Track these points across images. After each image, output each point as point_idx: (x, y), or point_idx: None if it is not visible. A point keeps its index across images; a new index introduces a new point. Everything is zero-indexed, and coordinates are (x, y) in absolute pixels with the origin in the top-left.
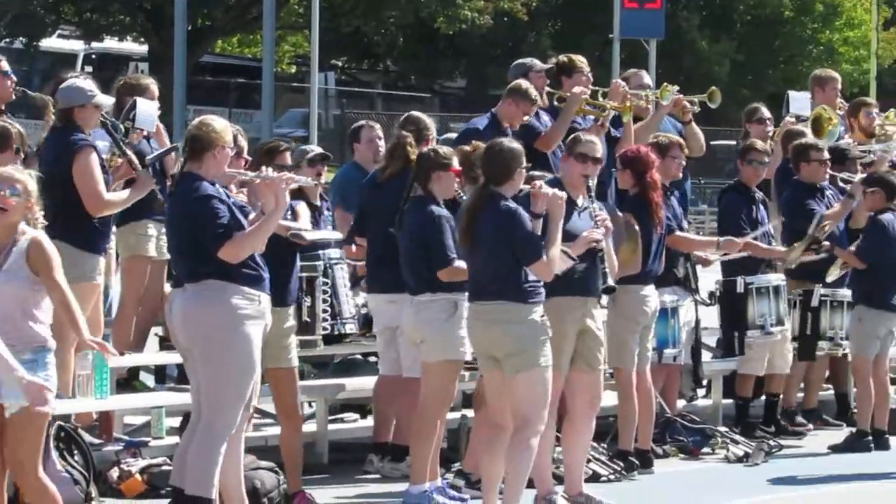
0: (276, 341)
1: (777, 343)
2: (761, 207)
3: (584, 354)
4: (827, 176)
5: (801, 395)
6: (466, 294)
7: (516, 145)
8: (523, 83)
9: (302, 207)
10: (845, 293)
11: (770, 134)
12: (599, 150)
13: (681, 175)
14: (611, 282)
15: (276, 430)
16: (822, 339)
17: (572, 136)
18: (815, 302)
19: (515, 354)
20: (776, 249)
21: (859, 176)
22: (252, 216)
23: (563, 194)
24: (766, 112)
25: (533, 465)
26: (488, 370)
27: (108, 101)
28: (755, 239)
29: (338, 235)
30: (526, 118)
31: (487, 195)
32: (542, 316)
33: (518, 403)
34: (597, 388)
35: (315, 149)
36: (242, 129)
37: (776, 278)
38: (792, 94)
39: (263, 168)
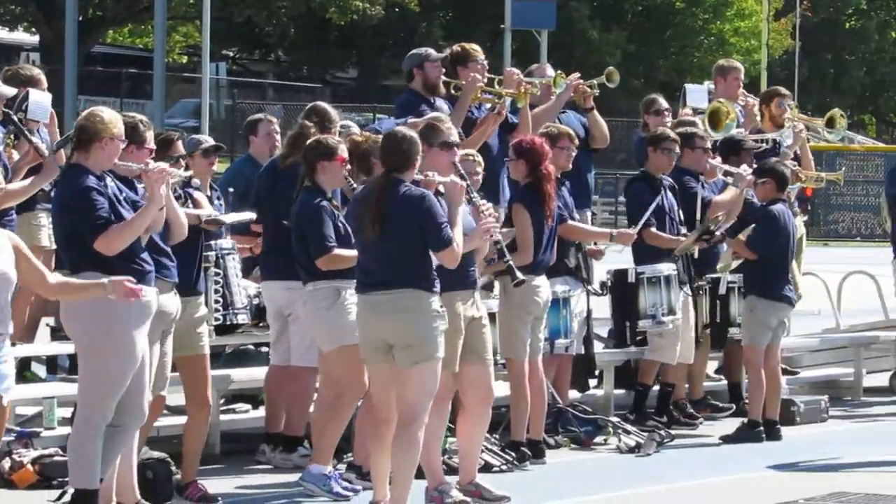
0: (187, 330)
1: (680, 332)
2: (669, 195)
3: (475, 347)
4: (708, 165)
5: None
6: (352, 281)
7: (414, 133)
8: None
9: (199, 195)
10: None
11: (668, 125)
12: (455, 133)
13: (570, 166)
14: (520, 275)
15: (168, 421)
16: (731, 326)
17: (428, 125)
18: (722, 289)
19: (415, 345)
20: (668, 237)
21: (742, 168)
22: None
23: (463, 183)
24: (663, 103)
25: (422, 457)
26: (376, 363)
27: (9, 91)
28: (646, 226)
29: (251, 215)
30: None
31: (392, 183)
32: (441, 307)
33: (408, 396)
34: (488, 379)
35: (208, 140)
36: None
37: (667, 268)
38: (689, 86)
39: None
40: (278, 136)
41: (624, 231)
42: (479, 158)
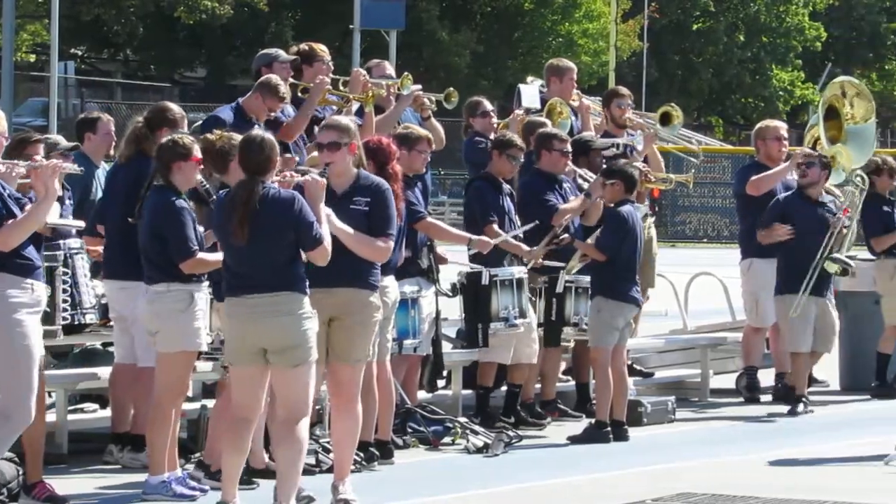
0: None
1: (522, 333)
2: (507, 199)
3: (335, 347)
4: (567, 167)
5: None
6: (204, 285)
7: (270, 135)
8: (273, 79)
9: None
10: (588, 279)
11: (495, 126)
12: (344, 135)
13: (424, 169)
14: None
15: None
16: (567, 326)
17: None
18: (559, 289)
19: (294, 347)
20: (524, 247)
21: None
22: (28, 207)
23: (323, 180)
24: (488, 105)
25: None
26: (244, 364)
27: None
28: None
29: (80, 224)
30: (272, 114)
31: (257, 186)
32: (312, 308)
33: (290, 396)
34: (355, 382)
35: (62, 140)
36: None
37: (518, 271)
38: (522, 87)
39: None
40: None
41: (482, 239)
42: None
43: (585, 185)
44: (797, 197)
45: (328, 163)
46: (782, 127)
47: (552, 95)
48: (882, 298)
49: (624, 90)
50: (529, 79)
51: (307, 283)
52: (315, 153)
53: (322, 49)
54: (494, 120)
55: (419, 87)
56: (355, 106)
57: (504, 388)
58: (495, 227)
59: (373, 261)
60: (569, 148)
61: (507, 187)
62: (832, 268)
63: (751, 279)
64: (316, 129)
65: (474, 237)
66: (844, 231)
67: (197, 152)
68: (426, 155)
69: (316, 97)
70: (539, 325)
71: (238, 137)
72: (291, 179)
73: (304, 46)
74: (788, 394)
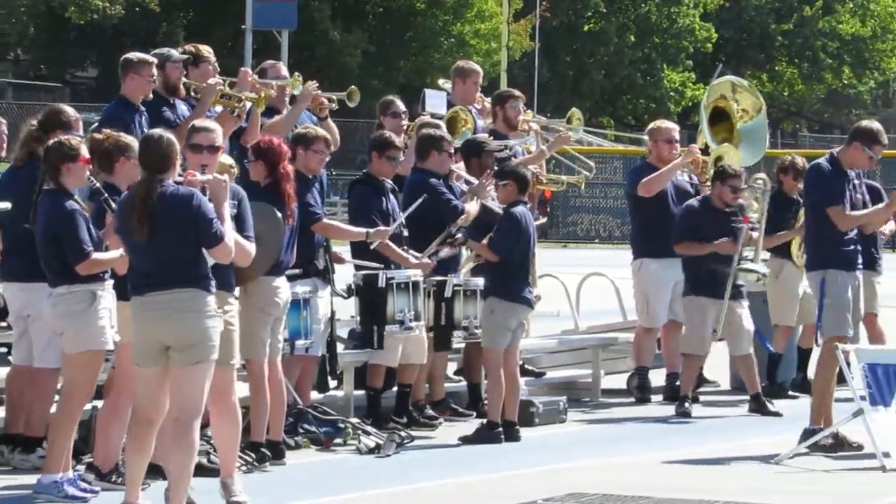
0: None
1: (412, 335)
2: (391, 198)
3: (220, 349)
4: (451, 167)
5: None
6: (106, 284)
7: (170, 134)
8: (135, 55)
9: None
10: (478, 282)
11: (405, 128)
12: (218, 137)
13: (321, 169)
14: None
15: None
16: (456, 329)
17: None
18: (448, 292)
19: (195, 345)
20: (411, 260)
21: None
22: None
23: (225, 177)
24: (400, 105)
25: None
26: (149, 365)
27: None
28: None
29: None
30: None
31: (157, 185)
32: (217, 307)
33: (186, 395)
34: (230, 382)
35: None
36: None
37: (415, 273)
38: (428, 91)
39: None
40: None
41: (381, 229)
42: (231, 161)
43: (465, 188)
44: (704, 207)
45: (205, 165)
46: (674, 129)
47: (456, 97)
48: (769, 297)
49: (518, 93)
50: (441, 81)
51: (212, 282)
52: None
53: (208, 50)
54: (404, 122)
55: (316, 84)
56: (247, 106)
57: (395, 389)
58: (381, 227)
59: (240, 263)
60: (452, 149)
61: (389, 184)
62: (748, 277)
63: (642, 280)
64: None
65: (371, 230)
66: (755, 236)
67: (85, 153)
68: (323, 155)
69: (209, 98)
70: (429, 329)
71: (126, 138)
72: (196, 178)
73: (189, 48)
74: (678, 393)
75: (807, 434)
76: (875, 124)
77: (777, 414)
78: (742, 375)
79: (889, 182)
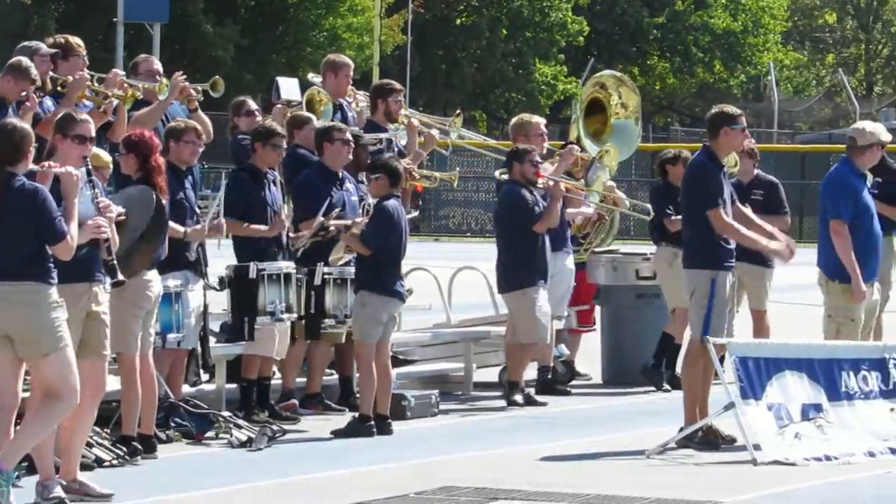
0: None
1: (283, 327)
2: (272, 187)
3: (90, 342)
4: (349, 159)
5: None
6: None
7: (26, 125)
8: (24, 60)
9: None
10: (350, 270)
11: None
12: (93, 129)
13: (195, 161)
14: (121, 276)
15: None
16: (327, 317)
17: (64, 116)
18: (317, 280)
19: (38, 337)
20: (259, 228)
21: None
22: None
23: (75, 171)
24: (252, 104)
25: (37, 450)
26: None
27: None
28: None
29: None
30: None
31: (5, 177)
32: (60, 298)
33: (51, 383)
34: (103, 375)
35: None
36: None
37: (287, 265)
38: (281, 80)
39: None
40: None
41: (197, 228)
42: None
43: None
44: (521, 189)
45: (86, 156)
46: (543, 123)
47: (328, 90)
48: (662, 284)
49: (399, 85)
50: (311, 75)
51: (53, 273)
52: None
53: (79, 43)
54: (259, 118)
55: (183, 75)
56: (114, 103)
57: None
58: (197, 227)
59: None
60: (349, 136)
61: (272, 175)
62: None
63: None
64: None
65: (188, 229)
66: (604, 222)
67: None
68: (194, 146)
69: (75, 93)
70: (300, 317)
71: None
72: (49, 170)
73: (60, 39)
74: (549, 386)
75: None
76: (722, 105)
77: (542, 404)
78: (525, 361)
79: (777, 176)
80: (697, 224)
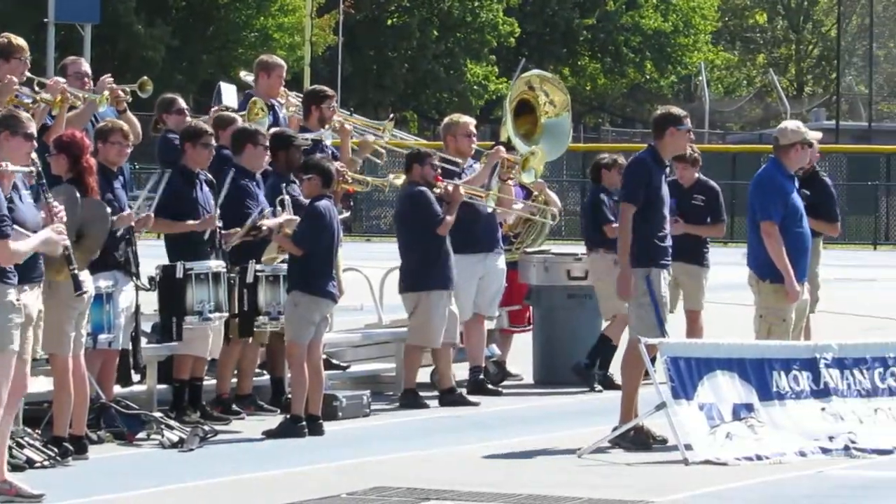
0: None
1: (215, 327)
2: (204, 188)
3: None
4: (265, 161)
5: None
6: None
7: None
8: None
9: None
10: (283, 268)
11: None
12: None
13: (123, 161)
14: (86, 288)
15: None
16: (260, 315)
17: (10, 114)
18: (250, 278)
19: None
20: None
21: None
22: None
23: (26, 168)
24: (182, 103)
25: None
26: None
27: None
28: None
29: None
30: None
31: None
32: (17, 299)
33: None
34: (25, 376)
35: None
36: None
37: (216, 265)
38: (223, 85)
39: None
40: None
41: (123, 215)
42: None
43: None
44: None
45: (32, 154)
46: (473, 123)
47: (260, 91)
48: (599, 292)
49: (331, 91)
50: (243, 74)
51: (10, 274)
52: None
53: (22, 45)
54: (188, 118)
55: (111, 77)
56: (42, 107)
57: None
58: (189, 221)
59: None
60: (266, 142)
61: (204, 175)
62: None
63: None
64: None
65: (190, 222)
66: (535, 222)
67: None
68: (121, 146)
69: (4, 97)
70: (233, 316)
71: None
72: (4, 169)
73: (2, 39)
74: (481, 386)
75: (620, 435)
76: (669, 107)
77: (475, 404)
78: (437, 365)
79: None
80: (638, 221)
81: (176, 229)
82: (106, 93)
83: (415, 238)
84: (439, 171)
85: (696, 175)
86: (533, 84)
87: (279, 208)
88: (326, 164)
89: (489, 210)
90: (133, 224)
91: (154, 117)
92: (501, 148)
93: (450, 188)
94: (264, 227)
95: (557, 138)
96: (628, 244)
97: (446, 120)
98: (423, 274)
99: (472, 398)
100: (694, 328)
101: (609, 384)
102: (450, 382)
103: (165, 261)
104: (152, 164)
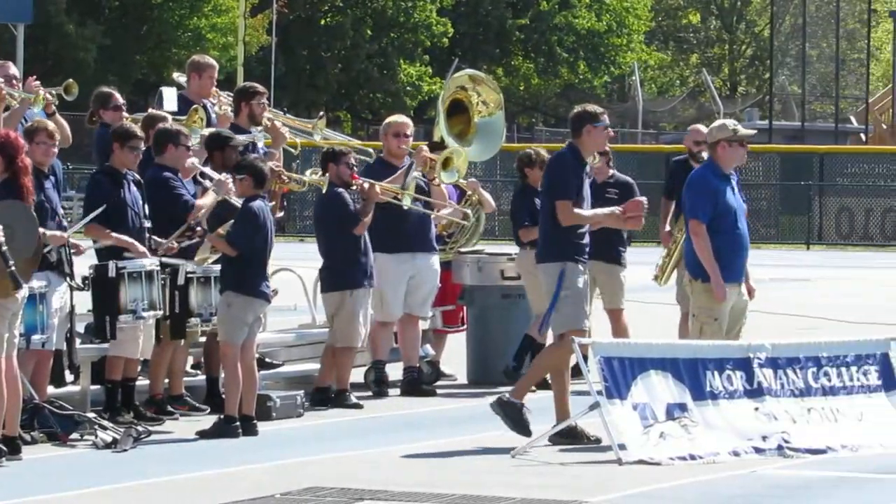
0: None
1: (147, 326)
2: (132, 188)
3: None
4: (191, 162)
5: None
6: None
7: None
8: None
9: None
10: (214, 269)
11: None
12: None
13: (50, 161)
14: (22, 283)
15: None
16: (192, 317)
17: None
18: (181, 280)
19: None
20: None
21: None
22: None
23: None
24: (119, 98)
25: None
26: None
27: None
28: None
29: None
30: None
31: None
32: None
33: None
34: None
35: None
36: None
37: (150, 263)
38: (164, 90)
39: None
40: None
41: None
42: None
43: (208, 183)
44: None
45: None
46: (404, 123)
47: (191, 91)
48: (528, 289)
49: (263, 88)
50: (176, 74)
51: None
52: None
53: None
54: (125, 115)
55: (38, 81)
56: None
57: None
58: (124, 237)
59: None
60: (192, 142)
61: (132, 176)
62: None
63: (377, 274)
64: None
65: (115, 234)
66: (467, 224)
67: None
68: (47, 146)
69: None
70: (165, 318)
71: None
72: None
73: None
74: (416, 387)
75: (559, 432)
76: (585, 104)
77: (358, 406)
78: (350, 365)
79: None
80: (549, 215)
81: (105, 239)
82: (42, 92)
83: (333, 239)
84: (355, 169)
85: (611, 170)
86: (466, 84)
87: (204, 184)
88: (259, 164)
89: (422, 209)
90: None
91: (91, 110)
92: (424, 147)
93: (366, 186)
94: (198, 228)
95: (490, 138)
96: (601, 214)
97: (386, 121)
98: (344, 273)
99: (404, 398)
100: (618, 327)
101: (539, 384)
102: (346, 384)
103: (94, 260)
104: (85, 165)
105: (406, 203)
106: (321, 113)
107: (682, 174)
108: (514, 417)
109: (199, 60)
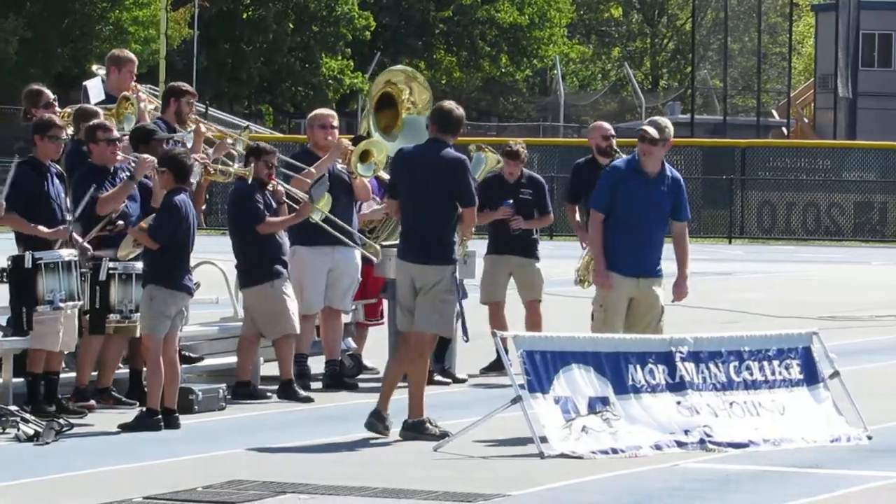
0: None
1: (69, 319)
2: (55, 181)
3: None
4: (116, 157)
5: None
6: None
7: None
8: None
9: None
10: (136, 265)
11: (59, 115)
12: None
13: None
14: None
15: None
16: (111, 312)
17: None
18: (102, 275)
19: None
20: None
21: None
22: None
23: None
24: (50, 95)
25: None
26: None
27: None
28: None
29: None
30: None
31: None
32: None
33: None
34: None
35: None
36: None
37: (68, 253)
38: (88, 83)
39: None
40: None
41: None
42: None
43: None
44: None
45: None
46: (329, 115)
47: (111, 85)
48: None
49: (191, 88)
50: (95, 67)
51: None
52: None
53: None
54: (57, 109)
55: None
56: None
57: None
58: (41, 227)
59: None
60: (115, 136)
61: (55, 168)
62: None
63: (296, 267)
64: None
65: (42, 228)
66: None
67: None
68: (59, 143)
69: None
70: (84, 312)
71: None
72: None
73: None
74: (338, 380)
75: (409, 427)
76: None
77: (308, 400)
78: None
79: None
80: (452, 220)
81: (25, 229)
82: None
83: (246, 235)
84: (273, 169)
85: (521, 169)
86: (398, 80)
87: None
88: (182, 157)
89: (344, 201)
90: None
91: (23, 108)
92: (344, 141)
93: (280, 188)
94: (119, 222)
95: (416, 133)
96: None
97: (311, 113)
98: (262, 267)
99: (328, 391)
100: (533, 318)
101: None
102: (289, 374)
103: (15, 252)
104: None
105: (315, 218)
106: (246, 125)
107: (588, 174)
108: (428, 432)
109: (118, 55)
